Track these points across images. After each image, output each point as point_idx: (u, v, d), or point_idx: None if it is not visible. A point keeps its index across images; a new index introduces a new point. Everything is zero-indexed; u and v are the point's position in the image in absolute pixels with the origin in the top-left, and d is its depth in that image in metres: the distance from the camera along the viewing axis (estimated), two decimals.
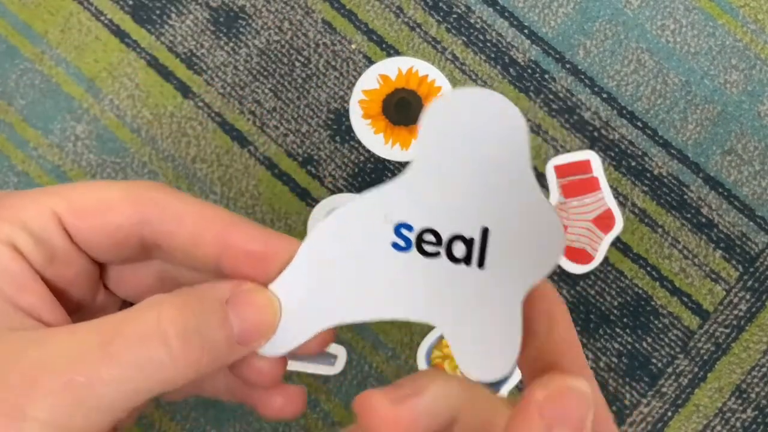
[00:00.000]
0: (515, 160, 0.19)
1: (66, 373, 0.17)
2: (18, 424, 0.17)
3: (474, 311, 0.20)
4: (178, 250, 0.21)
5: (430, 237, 0.20)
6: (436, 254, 0.20)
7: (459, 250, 0.20)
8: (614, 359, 0.48)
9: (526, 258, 0.19)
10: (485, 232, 0.19)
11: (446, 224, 0.20)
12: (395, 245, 0.20)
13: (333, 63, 0.50)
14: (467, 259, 0.20)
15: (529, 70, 0.50)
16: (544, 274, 0.19)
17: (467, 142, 0.19)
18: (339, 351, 0.46)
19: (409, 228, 0.20)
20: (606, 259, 0.49)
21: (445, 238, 0.20)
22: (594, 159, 0.49)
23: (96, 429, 0.18)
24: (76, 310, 0.21)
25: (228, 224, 0.20)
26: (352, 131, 0.49)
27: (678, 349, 0.48)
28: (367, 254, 0.20)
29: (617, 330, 0.48)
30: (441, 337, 0.48)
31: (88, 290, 0.22)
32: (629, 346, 0.48)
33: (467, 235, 0.20)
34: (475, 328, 0.20)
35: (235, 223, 0.21)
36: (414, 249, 0.20)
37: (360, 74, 0.50)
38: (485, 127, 0.19)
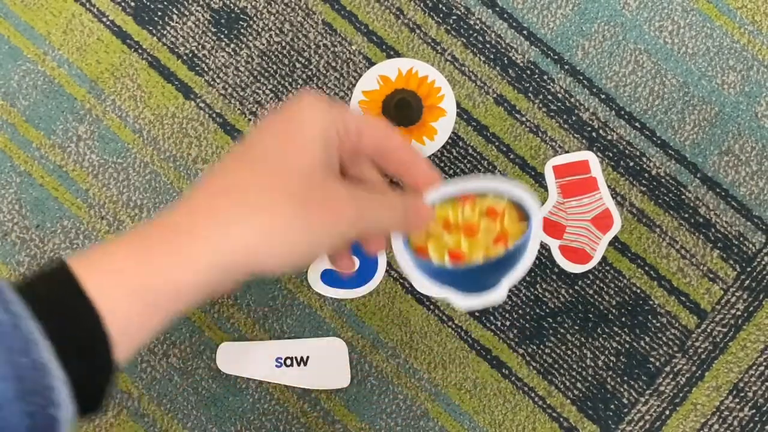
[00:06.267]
0: None
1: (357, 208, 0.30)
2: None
3: None
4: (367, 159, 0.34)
5: None
6: None
7: None
8: (612, 358, 0.49)
9: None
10: None
11: None
12: None
13: (333, 64, 0.51)
14: None
15: (528, 71, 0.50)
16: None
17: None
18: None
19: None
20: (604, 259, 0.49)
21: None
22: (592, 159, 0.49)
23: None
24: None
25: (399, 144, 0.32)
26: None
27: (676, 348, 0.49)
28: None
29: (615, 329, 0.49)
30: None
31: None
32: (627, 345, 0.49)
33: None
34: None
35: (404, 143, 0.33)
36: None
37: (360, 75, 0.50)
38: None
